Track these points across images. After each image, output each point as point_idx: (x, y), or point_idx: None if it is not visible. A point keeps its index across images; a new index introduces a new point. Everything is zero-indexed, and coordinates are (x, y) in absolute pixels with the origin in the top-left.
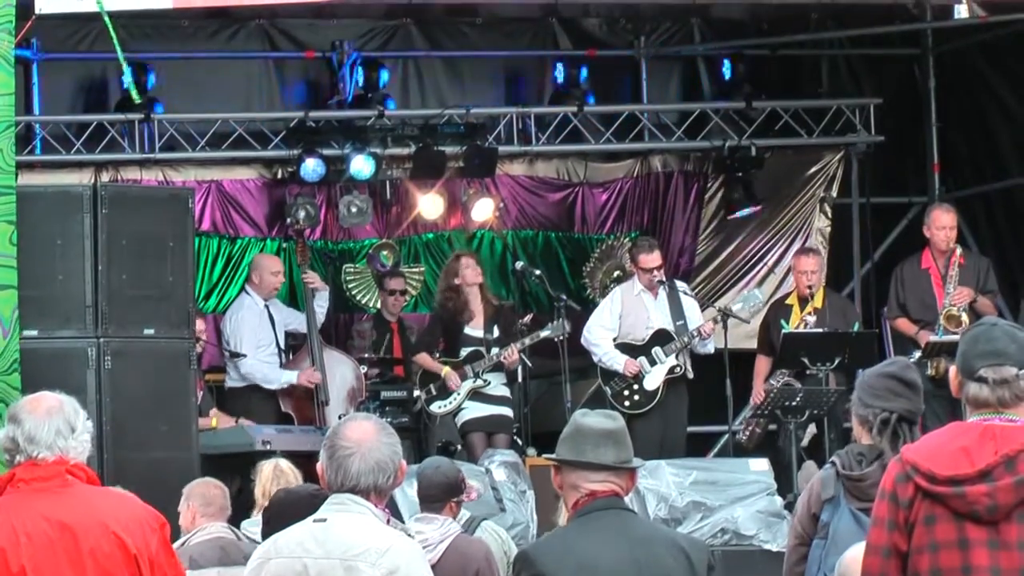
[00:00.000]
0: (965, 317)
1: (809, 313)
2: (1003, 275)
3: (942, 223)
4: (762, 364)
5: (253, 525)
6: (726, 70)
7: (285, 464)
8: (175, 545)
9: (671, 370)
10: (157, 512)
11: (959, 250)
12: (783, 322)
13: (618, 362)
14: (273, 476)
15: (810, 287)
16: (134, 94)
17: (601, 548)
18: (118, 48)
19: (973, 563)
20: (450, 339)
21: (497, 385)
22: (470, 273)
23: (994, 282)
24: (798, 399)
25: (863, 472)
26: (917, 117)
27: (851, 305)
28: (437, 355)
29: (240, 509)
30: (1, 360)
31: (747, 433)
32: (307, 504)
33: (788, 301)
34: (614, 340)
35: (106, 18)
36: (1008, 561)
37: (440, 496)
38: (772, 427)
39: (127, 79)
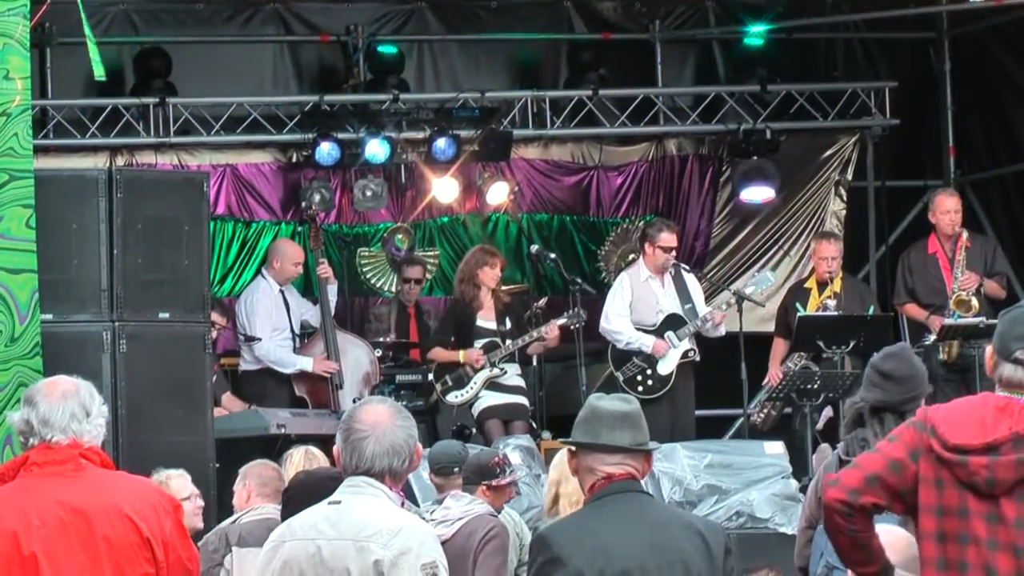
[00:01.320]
0: (975, 301)
1: (829, 297)
2: (1019, 258)
3: (946, 207)
4: (779, 346)
5: None
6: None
7: (316, 450)
8: (227, 521)
9: (684, 354)
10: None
11: (965, 233)
12: (798, 305)
13: (646, 343)
14: (305, 460)
15: (829, 272)
16: (97, 70)
17: (617, 531)
18: (87, 27)
19: (972, 533)
20: (463, 332)
21: (512, 375)
22: (489, 275)
23: (1003, 263)
24: (815, 382)
25: None
26: (932, 101)
27: (868, 288)
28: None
29: None
30: (21, 343)
31: (762, 415)
32: (326, 487)
33: (807, 284)
34: None
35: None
36: (1006, 536)
37: (472, 479)
38: (787, 410)
39: (93, 55)
